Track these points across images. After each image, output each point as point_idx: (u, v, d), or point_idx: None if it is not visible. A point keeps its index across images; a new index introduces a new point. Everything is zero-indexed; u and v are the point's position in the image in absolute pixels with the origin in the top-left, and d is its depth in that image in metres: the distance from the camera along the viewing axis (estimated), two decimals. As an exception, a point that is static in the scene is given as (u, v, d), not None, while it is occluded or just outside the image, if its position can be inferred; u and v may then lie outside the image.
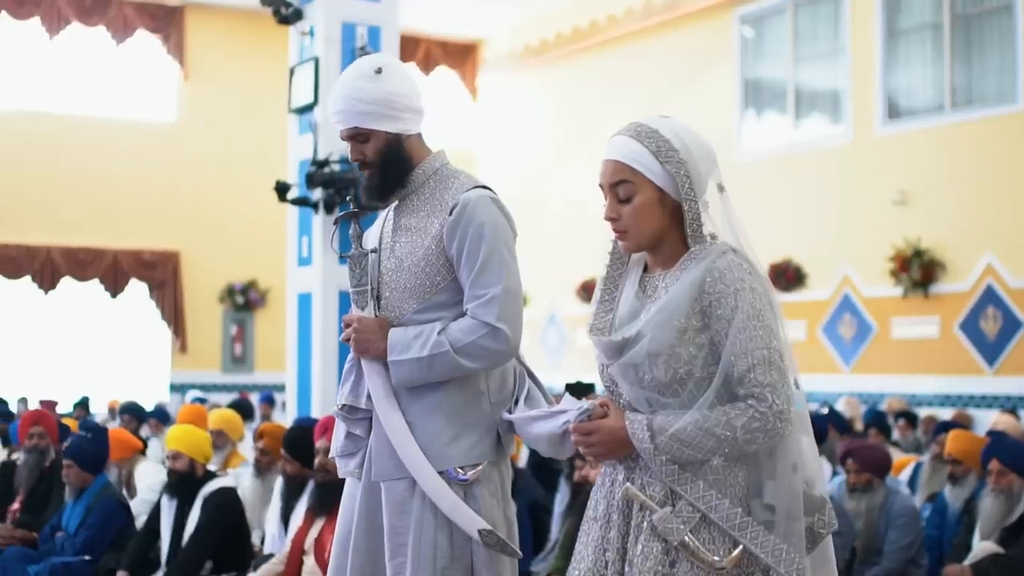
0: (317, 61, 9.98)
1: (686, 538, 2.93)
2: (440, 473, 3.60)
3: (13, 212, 18.35)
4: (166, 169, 19.38)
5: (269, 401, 15.68)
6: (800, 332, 15.33)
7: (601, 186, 3.13)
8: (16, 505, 8.37)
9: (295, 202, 10.09)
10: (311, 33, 10.04)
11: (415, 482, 3.62)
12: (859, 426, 11.81)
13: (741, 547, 2.93)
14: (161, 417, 12.84)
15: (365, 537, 3.74)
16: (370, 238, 3.85)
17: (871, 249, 14.40)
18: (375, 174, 3.76)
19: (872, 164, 14.74)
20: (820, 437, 9.12)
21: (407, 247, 3.70)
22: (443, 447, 3.62)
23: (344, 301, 9.24)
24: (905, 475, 9.30)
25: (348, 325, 3.75)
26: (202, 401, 15.07)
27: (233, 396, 17.34)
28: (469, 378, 3.65)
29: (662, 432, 2.94)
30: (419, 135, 3.82)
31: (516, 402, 3.69)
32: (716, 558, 2.93)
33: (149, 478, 8.61)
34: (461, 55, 21.74)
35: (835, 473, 8.83)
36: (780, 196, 15.80)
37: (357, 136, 3.74)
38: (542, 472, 8.90)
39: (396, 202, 3.82)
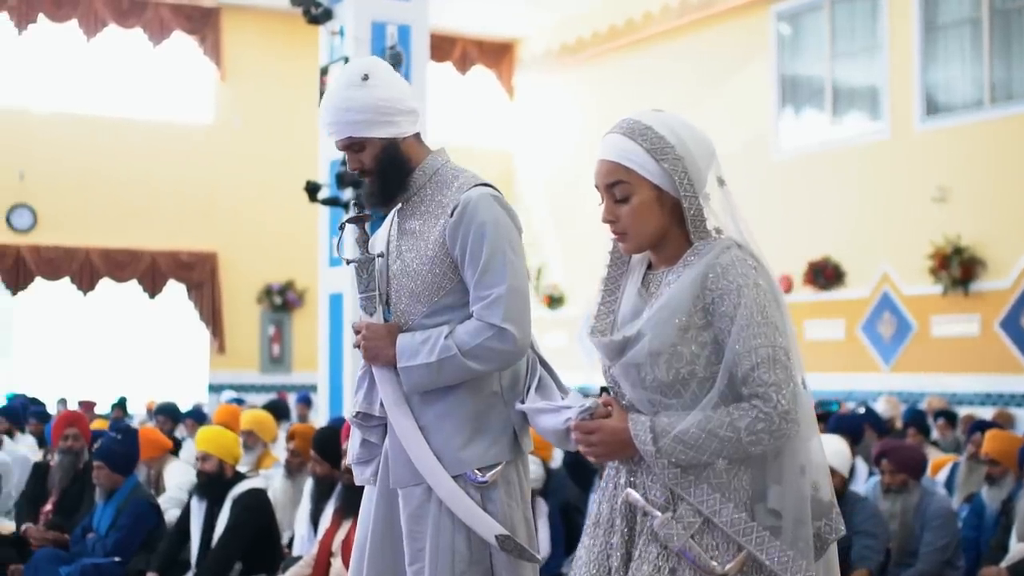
0: (347, 61, 9.94)
1: (688, 543, 2.84)
2: (457, 477, 3.56)
3: (52, 214, 18.46)
4: (203, 170, 19.45)
5: (306, 402, 15.67)
6: (839, 331, 15.23)
7: (597, 187, 3.04)
8: (48, 506, 8.37)
9: (325, 202, 10.06)
10: (341, 33, 10.01)
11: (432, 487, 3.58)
12: (899, 425, 11.69)
13: (744, 553, 2.83)
14: (197, 418, 12.84)
15: (381, 543, 3.70)
16: (377, 242, 3.81)
17: (910, 247, 14.27)
18: (375, 181, 3.72)
19: (911, 161, 14.62)
20: (856, 437, 9.03)
21: (412, 251, 3.65)
22: (457, 451, 3.57)
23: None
24: (943, 475, 9.19)
25: (357, 332, 3.70)
26: (239, 402, 15.08)
27: (271, 397, 17.35)
28: (481, 379, 3.60)
29: (665, 434, 2.85)
30: (416, 136, 3.76)
31: (527, 391, 3.63)
32: (717, 564, 2.83)
33: (178, 477, 8.61)
34: (497, 54, 21.71)
35: (871, 473, 8.73)
36: (818, 193, 15.71)
37: (353, 145, 3.69)
38: (577, 471, 8.85)
39: (400, 205, 3.76)
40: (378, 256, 3.74)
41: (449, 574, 3.53)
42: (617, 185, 2.99)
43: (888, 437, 9.90)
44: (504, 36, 21.52)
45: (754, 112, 16.70)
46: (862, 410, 11.24)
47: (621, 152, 2.98)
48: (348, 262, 3.77)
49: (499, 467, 3.59)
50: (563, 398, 3.44)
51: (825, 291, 15.40)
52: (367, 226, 3.79)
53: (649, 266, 3.11)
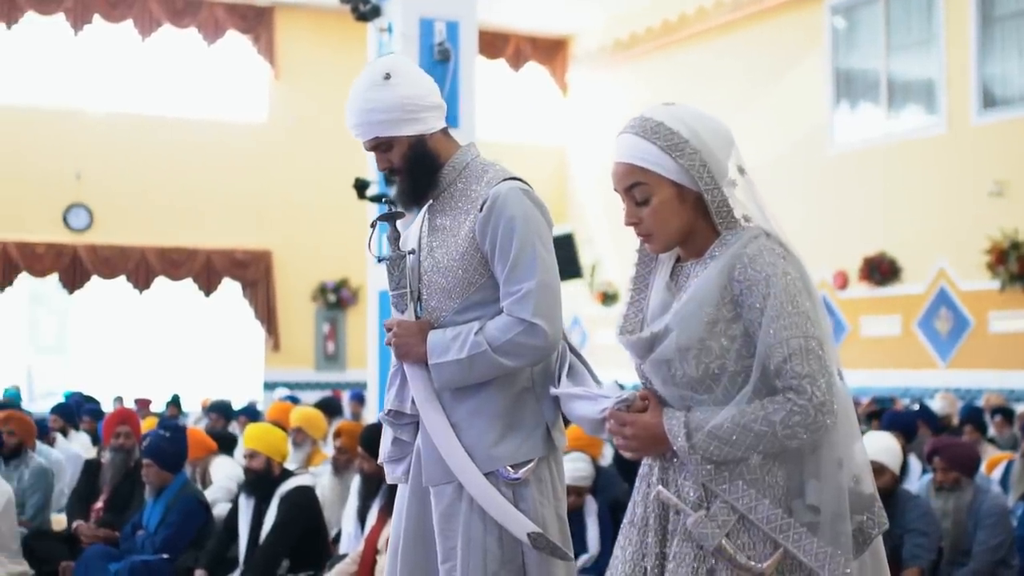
0: (395, 58, 9.89)
1: (722, 542, 2.78)
2: (489, 474, 3.53)
3: (108, 213, 18.58)
4: (258, 169, 19.51)
5: (359, 399, 15.66)
6: (895, 327, 15.09)
7: (616, 190, 2.99)
8: (99, 504, 8.41)
9: (374, 199, 10.03)
10: (389, 29, 9.97)
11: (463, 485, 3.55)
12: (956, 422, 11.56)
13: (781, 550, 2.77)
14: (251, 415, 12.90)
15: (414, 542, 3.67)
16: (409, 239, 3.78)
17: (967, 242, 14.11)
18: (405, 179, 3.68)
19: (967, 155, 14.45)
20: (909, 434, 8.93)
21: (443, 247, 3.62)
22: (489, 448, 3.54)
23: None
24: (998, 473, 9.06)
25: (389, 329, 3.68)
26: (294, 400, 15.11)
27: (326, 394, 17.38)
28: (513, 375, 3.56)
29: (699, 429, 2.79)
30: (443, 131, 3.72)
31: (559, 378, 3.58)
32: (754, 562, 2.77)
33: (226, 470, 8.64)
34: (551, 51, 21.66)
35: (925, 471, 8.62)
36: (874, 188, 15.57)
37: (380, 145, 3.66)
38: (627, 469, 8.78)
39: (430, 201, 3.73)
40: (409, 253, 3.71)
41: (481, 573, 3.50)
42: (636, 187, 2.95)
43: (944, 434, 9.77)
44: (557, 32, 21.47)
45: (809, 107, 16.58)
46: (916, 407, 11.12)
47: (635, 153, 2.93)
48: (379, 260, 3.75)
49: (531, 464, 3.55)
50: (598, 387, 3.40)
51: (881, 287, 15.26)
52: (395, 224, 3.76)
53: (678, 259, 3.05)
